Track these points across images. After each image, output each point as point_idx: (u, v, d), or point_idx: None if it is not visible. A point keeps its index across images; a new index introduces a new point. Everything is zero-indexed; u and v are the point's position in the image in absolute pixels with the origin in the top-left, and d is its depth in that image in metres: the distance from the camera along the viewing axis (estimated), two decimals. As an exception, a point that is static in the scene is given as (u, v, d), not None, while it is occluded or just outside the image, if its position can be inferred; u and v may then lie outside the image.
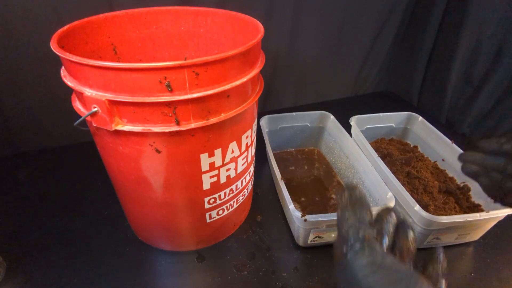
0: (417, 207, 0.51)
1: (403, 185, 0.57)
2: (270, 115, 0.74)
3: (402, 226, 0.28)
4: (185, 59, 0.34)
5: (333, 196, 0.69)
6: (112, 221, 0.61)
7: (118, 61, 0.55)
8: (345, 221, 0.27)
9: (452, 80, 0.88)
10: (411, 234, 0.27)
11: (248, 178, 0.56)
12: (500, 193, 0.37)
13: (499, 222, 0.55)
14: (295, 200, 0.67)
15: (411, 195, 0.54)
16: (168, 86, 0.35)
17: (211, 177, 0.46)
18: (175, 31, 0.57)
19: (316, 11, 0.84)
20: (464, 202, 0.61)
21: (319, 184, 0.72)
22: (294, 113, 0.76)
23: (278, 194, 0.68)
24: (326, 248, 0.58)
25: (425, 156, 0.74)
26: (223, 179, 0.48)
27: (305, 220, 0.50)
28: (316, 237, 0.54)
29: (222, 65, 0.36)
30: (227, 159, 0.46)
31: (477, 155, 0.38)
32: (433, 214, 0.50)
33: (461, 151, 0.64)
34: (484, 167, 0.37)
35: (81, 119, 0.38)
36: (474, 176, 0.39)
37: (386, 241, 0.27)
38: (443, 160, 0.70)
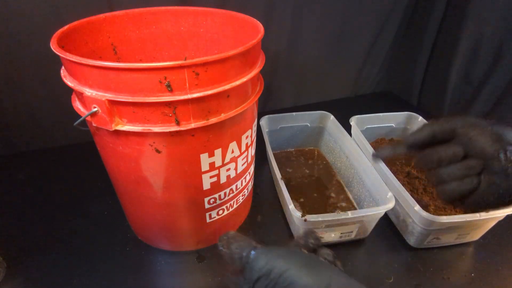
0: (417, 207, 0.51)
1: (403, 185, 0.57)
2: (270, 115, 0.74)
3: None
4: (185, 59, 0.34)
5: (333, 195, 0.69)
6: (112, 221, 0.61)
7: (118, 61, 0.55)
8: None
9: (452, 80, 0.88)
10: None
11: (248, 178, 0.56)
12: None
13: (499, 222, 0.55)
14: (295, 200, 0.67)
15: (411, 195, 0.54)
16: (168, 86, 0.35)
17: (211, 177, 0.46)
18: (175, 31, 0.57)
19: (316, 11, 0.84)
20: (464, 202, 0.61)
21: (319, 184, 0.72)
22: (294, 113, 0.76)
23: (278, 194, 0.68)
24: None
25: (425, 156, 0.74)
26: (223, 179, 0.48)
27: (305, 220, 0.50)
28: (316, 237, 0.54)
29: (222, 65, 0.36)
30: (227, 159, 0.46)
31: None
32: (433, 214, 0.50)
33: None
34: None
35: (81, 119, 0.38)
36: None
37: None
38: (443, 160, 0.70)
